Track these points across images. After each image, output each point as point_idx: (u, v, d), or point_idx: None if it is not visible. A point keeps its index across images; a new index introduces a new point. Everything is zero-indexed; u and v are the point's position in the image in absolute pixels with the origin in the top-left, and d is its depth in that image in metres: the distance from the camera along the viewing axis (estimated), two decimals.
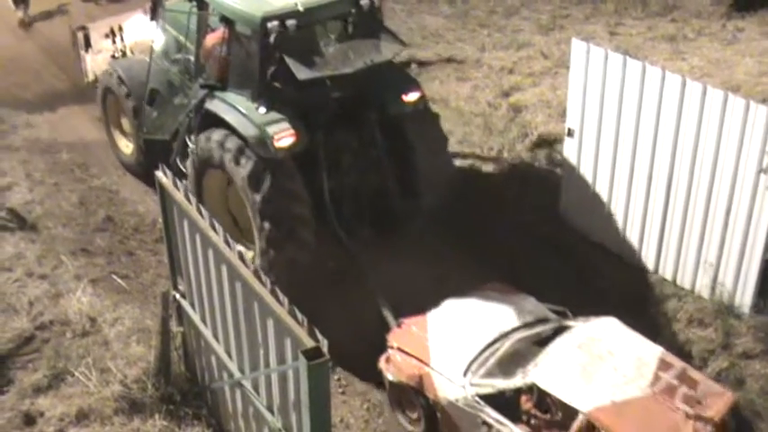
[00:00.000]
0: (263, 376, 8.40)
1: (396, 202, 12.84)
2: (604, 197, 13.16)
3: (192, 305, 9.83)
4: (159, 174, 9.38)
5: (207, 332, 9.54)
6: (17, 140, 16.07)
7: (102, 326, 11.29)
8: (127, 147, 15.37)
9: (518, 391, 10.03)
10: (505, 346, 10.57)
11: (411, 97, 12.58)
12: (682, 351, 11.58)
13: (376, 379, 11.35)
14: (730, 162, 11.49)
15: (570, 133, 13.28)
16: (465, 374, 10.32)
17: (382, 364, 11.02)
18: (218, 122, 12.17)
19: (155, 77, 14.14)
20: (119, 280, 12.39)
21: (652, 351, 10.15)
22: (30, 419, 9.97)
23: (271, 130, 11.60)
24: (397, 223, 12.85)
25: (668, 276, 12.75)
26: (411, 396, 10.78)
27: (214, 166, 12.23)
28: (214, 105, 12.34)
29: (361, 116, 12.58)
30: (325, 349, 6.93)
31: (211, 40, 12.87)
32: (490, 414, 9.94)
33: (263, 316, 7.88)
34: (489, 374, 10.27)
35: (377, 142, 12.69)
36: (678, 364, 9.90)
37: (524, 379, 9.92)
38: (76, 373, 10.34)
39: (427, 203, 12.73)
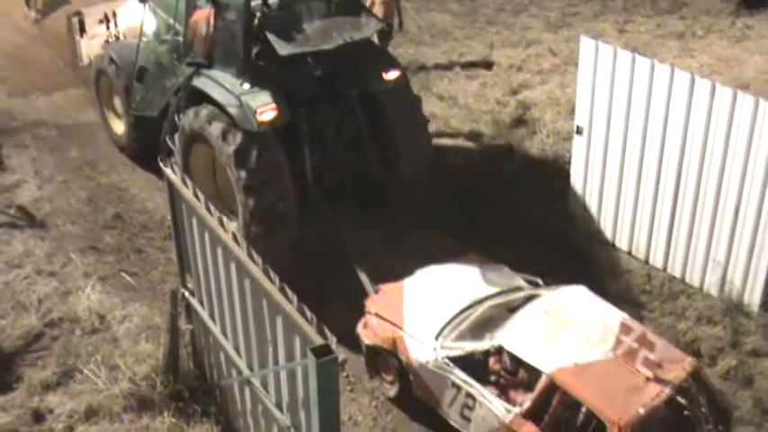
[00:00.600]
0: (271, 374, 8.40)
1: (377, 177, 13.27)
2: (613, 194, 13.15)
3: (201, 302, 9.84)
4: (168, 171, 9.39)
5: (216, 329, 9.55)
6: (26, 138, 16.09)
7: (110, 323, 11.31)
8: (119, 127, 15.81)
9: (487, 354, 10.31)
10: (478, 311, 10.85)
11: (391, 75, 13.03)
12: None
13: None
14: (739, 159, 11.47)
15: (579, 131, 13.27)
16: (437, 338, 10.61)
17: (360, 328, 11.29)
18: (205, 99, 12.57)
19: (143, 56, 14.61)
20: (128, 277, 12.40)
21: (615, 316, 10.40)
22: (39, 416, 9.98)
23: (254, 104, 11.93)
24: (378, 198, 13.29)
25: (677, 274, 12.74)
26: (386, 359, 11.06)
27: (200, 142, 12.61)
28: (200, 82, 12.76)
29: (342, 93, 12.99)
30: (333, 347, 6.94)
31: (197, 19, 13.20)
32: (459, 375, 10.22)
33: (272, 313, 7.88)
34: (460, 338, 10.55)
35: (357, 119, 13.11)
36: (638, 327, 10.10)
37: (491, 341, 10.19)
38: (85, 371, 10.35)
39: (407, 179, 13.18)
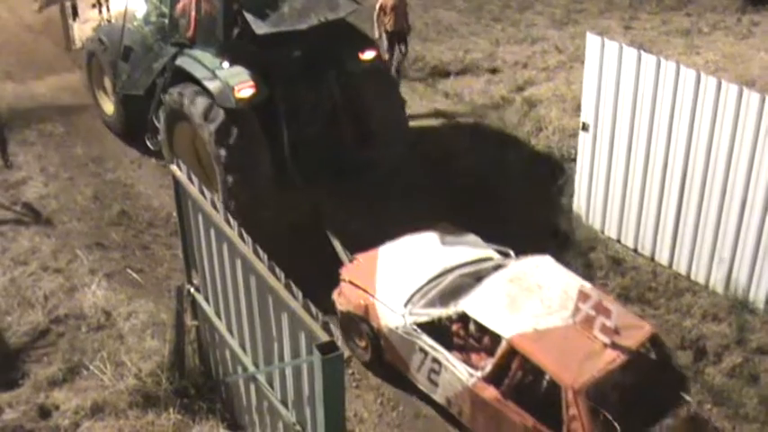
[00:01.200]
0: (277, 370, 8.40)
1: (353, 153, 13.72)
2: (619, 192, 13.14)
3: (207, 299, 9.84)
4: (174, 167, 9.40)
5: (221, 326, 9.56)
6: (32, 135, 16.12)
7: (116, 320, 11.32)
8: (109, 107, 16.30)
9: (452, 320, 10.75)
10: (448, 280, 11.27)
11: (367, 55, 13.56)
12: (696, 346, 11.58)
13: (390, 373, 11.39)
14: (745, 157, 11.46)
15: (585, 128, 13.26)
16: (406, 305, 11.04)
17: (335, 296, 11.72)
18: (188, 78, 13.16)
19: (129, 37, 15.23)
20: (133, 274, 12.42)
21: (575, 284, 10.59)
22: (45, 412, 9.98)
23: (232, 82, 12.49)
24: (355, 173, 13.62)
25: (683, 271, 12.72)
26: (359, 325, 11.46)
27: (183, 119, 13.20)
28: (183, 62, 13.41)
29: (320, 72, 13.51)
30: (339, 343, 6.94)
31: (184, 1, 13.78)
32: (426, 341, 10.63)
33: (278, 310, 7.89)
34: (429, 305, 10.97)
35: (334, 97, 13.63)
36: (595, 295, 10.20)
37: (455, 308, 10.58)
38: (91, 367, 10.36)
39: (383, 156, 13.66)
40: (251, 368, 8.96)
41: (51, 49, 19.36)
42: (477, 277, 11.17)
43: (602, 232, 13.54)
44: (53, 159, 15.36)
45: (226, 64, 12.75)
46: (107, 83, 16.05)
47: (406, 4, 17.42)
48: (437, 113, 16.71)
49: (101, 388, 10.13)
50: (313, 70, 13.35)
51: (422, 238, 12.21)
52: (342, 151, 13.65)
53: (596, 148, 13.21)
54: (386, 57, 17.18)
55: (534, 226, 13.60)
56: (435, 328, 10.73)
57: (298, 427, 8.18)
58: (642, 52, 12.30)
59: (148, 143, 14.76)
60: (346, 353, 11.51)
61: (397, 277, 11.47)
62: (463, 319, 10.67)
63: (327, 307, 11.31)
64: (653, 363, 10.36)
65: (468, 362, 10.43)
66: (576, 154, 13.88)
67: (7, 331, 11.12)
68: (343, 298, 11.59)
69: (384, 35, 17.10)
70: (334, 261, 12.36)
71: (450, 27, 20.41)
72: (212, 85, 12.61)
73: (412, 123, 15.32)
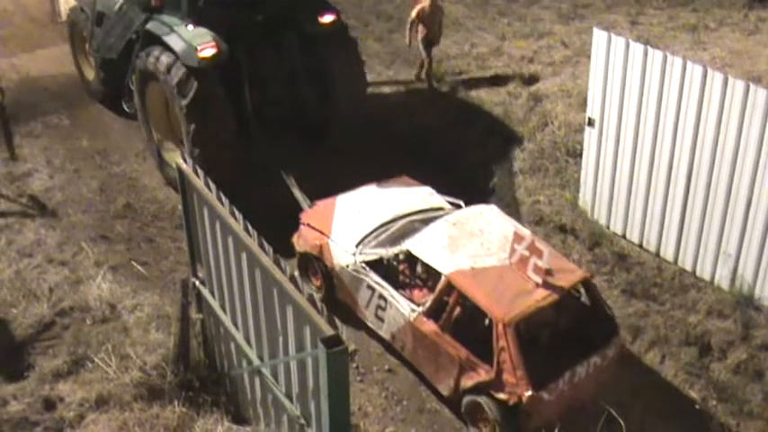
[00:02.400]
0: (281, 364, 8.41)
1: (314, 113, 14.68)
2: (624, 187, 13.13)
3: (212, 292, 9.85)
4: (179, 161, 9.40)
5: (226, 319, 9.56)
6: (38, 127, 16.16)
7: (121, 312, 11.31)
8: (90, 74, 17.23)
9: (398, 259, 11.67)
10: (398, 224, 12.14)
11: (326, 19, 14.34)
12: (700, 342, 11.57)
13: (394, 367, 11.41)
14: (752, 153, 11.44)
15: (590, 123, 13.24)
16: (358, 245, 11.87)
17: (294, 239, 12.63)
18: (157, 41, 13.95)
19: (103, 3, 15.92)
20: (138, 267, 12.42)
21: (512, 228, 11.18)
22: (50, 404, 9.96)
23: (195, 42, 13.35)
24: (316, 130, 14.77)
25: (688, 267, 12.72)
26: (315, 264, 12.36)
27: (154, 80, 14.04)
28: (152, 26, 14.24)
29: (281, 35, 14.36)
30: (344, 337, 6.94)
31: None
32: (373, 278, 11.43)
33: (283, 303, 7.89)
34: (379, 246, 11.76)
35: (296, 59, 14.45)
36: (528, 237, 10.66)
37: (401, 247, 11.32)
38: (96, 359, 10.34)
39: (343, 114, 14.59)
40: (256, 361, 8.97)
41: (57, 40, 19.36)
42: (426, 223, 11.70)
43: (608, 227, 13.54)
44: (59, 152, 15.38)
45: (190, 27, 13.58)
46: (88, 49, 16.73)
47: (443, 13, 17.40)
48: (441, 109, 16.68)
49: (105, 380, 10.11)
50: (274, 33, 14.22)
51: (380, 187, 13.09)
52: (303, 111, 14.56)
53: (602, 143, 13.20)
54: (426, 62, 17.21)
55: (540, 221, 13.60)
56: (383, 267, 11.57)
57: (302, 421, 8.19)
58: (649, 48, 12.28)
59: (125, 106, 15.59)
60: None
61: (352, 221, 12.30)
62: (409, 258, 11.49)
63: (287, 249, 12.04)
64: (584, 305, 11.04)
65: (411, 298, 11.20)
66: (581, 149, 13.87)
67: (12, 323, 11.12)
68: (302, 239, 12.46)
69: (420, 43, 17.08)
70: (296, 208, 13.16)
71: (457, 21, 20.38)
72: (177, 46, 13.44)
73: (416, 121, 15.34)
